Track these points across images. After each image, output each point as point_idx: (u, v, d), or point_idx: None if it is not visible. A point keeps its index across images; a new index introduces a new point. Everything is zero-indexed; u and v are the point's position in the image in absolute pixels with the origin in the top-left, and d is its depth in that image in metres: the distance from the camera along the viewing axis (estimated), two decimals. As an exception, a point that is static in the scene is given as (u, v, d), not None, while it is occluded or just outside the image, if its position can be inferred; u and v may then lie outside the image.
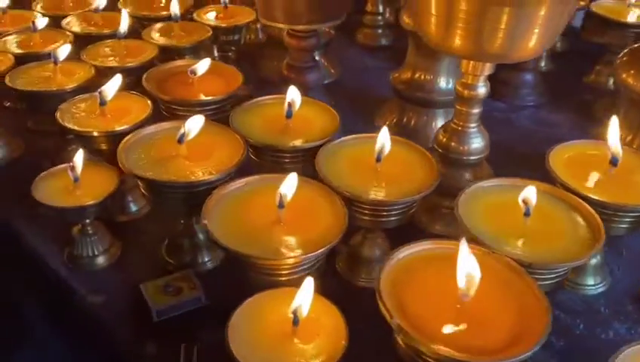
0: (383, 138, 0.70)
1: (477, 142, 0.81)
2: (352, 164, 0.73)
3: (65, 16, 1.11)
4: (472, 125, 0.80)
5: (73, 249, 0.77)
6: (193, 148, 0.72)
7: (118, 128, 0.77)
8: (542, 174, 0.72)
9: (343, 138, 0.77)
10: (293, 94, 0.79)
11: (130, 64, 0.95)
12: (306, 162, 0.77)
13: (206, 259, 0.78)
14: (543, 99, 1.26)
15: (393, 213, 0.70)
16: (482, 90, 0.77)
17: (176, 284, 0.72)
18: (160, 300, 0.70)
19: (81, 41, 1.03)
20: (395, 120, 1.13)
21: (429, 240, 0.60)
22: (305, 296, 0.53)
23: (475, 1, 0.66)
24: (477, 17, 0.67)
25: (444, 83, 1.06)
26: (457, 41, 0.71)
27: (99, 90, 0.79)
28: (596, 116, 1.19)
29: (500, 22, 0.67)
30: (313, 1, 0.91)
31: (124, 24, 0.98)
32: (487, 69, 0.76)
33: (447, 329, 0.51)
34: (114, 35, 1.02)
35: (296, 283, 0.54)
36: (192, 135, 0.71)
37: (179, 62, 0.94)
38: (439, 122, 1.09)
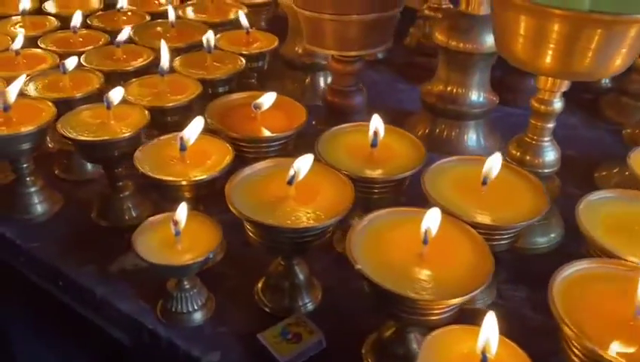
0: (493, 162, 0.71)
1: (551, 155, 0.84)
2: (458, 187, 0.73)
3: (81, 52, 1.04)
4: (546, 139, 0.83)
5: (168, 304, 0.73)
6: (299, 188, 0.69)
7: (207, 175, 0.73)
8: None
9: (447, 159, 0.77)
10: (377, 123, 0.78)
11: (178, 102, 0.90)
12: (395, 192, 0.77)
13: (306, 301, 0.75)
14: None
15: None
16: (558, 105, 0.80)
17: (293, 330, 0.70)
18: (284, 350, 0.68)
19: (112, 79, 0.97)
20: (426, 131, 1.15)
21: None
22: (490, 333, 0.53)
23: (568, 23, 0.69)
24: (568, 39, 0.70)
25: (475, 96, 1.09)
26: (546, 61, 0.73)
27: (180, 134, 0.74)
28: (605, 114, 1.27)
29: (590, 42, 0.70)
30: (365, 28, 0.91)
31: (166, 59, 0.93)
32: (565, 85, 0.78)
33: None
34: (140, 71, 0.98)
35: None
36: (302, 175, 0.69)
37: (237, 96, 0.91)
38: (471, 133, 1.12)
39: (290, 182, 0.68)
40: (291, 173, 0.68)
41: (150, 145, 0.79)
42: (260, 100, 0.85)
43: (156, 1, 1.35)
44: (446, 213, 0.65)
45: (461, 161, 0.78)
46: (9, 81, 0.90)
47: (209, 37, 1.01)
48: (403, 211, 0.67)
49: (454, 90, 1.10)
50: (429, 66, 1.42)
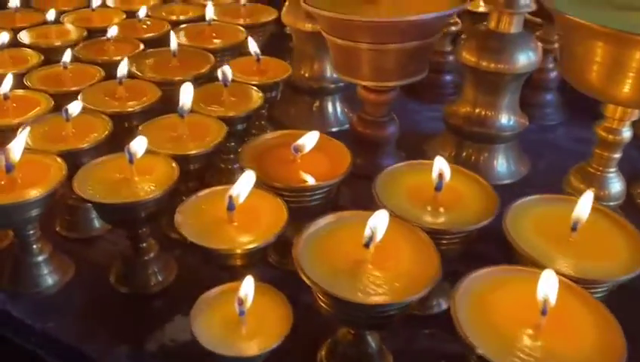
0: (584, 204, 0.65)
1: (617, 187, 0.79)
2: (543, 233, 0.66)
3: (75, 92, 0.92)
4: (612, 170, 0.78)
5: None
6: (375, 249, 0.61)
7: (263, 242, 0.63)
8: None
9: (527, 199, 0.70)
10: (441, 164, 0.71)
11: (204, 148, 0.80)
12: (465, 243, 0.70)
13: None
14: (565, 116, 1.28)
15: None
16: (627, 134, 0.75)
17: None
18: None
19: (116, 121, 0.86)
20: (452, 155, 1.09)
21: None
22: None
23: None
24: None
25: (505, 118, 1.04)
26: (623, 90, 0.68)
27: (229, 193, 0.65)
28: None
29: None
30: (404, 57, 0.83)
31: (188, 99, 0.82)
32: (636, 114, 0.73)
33: None
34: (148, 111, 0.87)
35: None
36: (379, 236, 0.60)
37: (270, 136, 0.82)
38: (501, 158, 1.07)
39: (367, 245, 0.60)
40: (367, 233, 0.60)
41: (190, 204, 0.68)
42: (300, 142, 0.76)
43: (144, 25, 1.22)
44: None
45: (543, 201, 0.71)
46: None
47: (226, 70, 0.91)
48: (505, 270, 0.59)
49: (483, 113, 1.04)
50: (437, 83, 1.37)
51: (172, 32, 1.05)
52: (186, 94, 0.82)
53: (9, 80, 0.88)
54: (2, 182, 0.71)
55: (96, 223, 0.88)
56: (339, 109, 1.22)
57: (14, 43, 1.10)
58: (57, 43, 1.12)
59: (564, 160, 1.10)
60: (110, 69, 1.02)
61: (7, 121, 0.84)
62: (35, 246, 0.76)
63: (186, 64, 1.04)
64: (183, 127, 0.82)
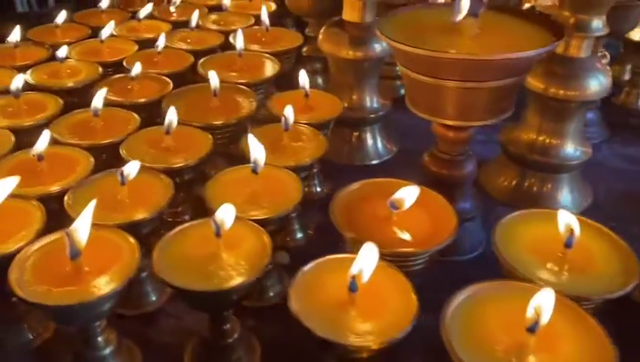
0: None
1: None
2: None
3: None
4: None
5: None
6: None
7: (399, 334, 0.54)
8: None
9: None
10: (568, 218, 0.63)
11: (287, 206, 0.70)
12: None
13: None
14: (606, 133, 1.24)
15: None
16: None
17: None
18: None
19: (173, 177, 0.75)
20: (512, 184, 1.03)
21: None
22: None
23: None
24: None
25: (571, 148, 0.98)
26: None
27: (352, 272, 0.55)
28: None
29: None
30: (496, 97, 0.76)
31: (259, 153, 0.72)
32: None
33: None
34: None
35: None
36: (544, 320, 0.52)
37: (358, 186, 0.73)
38: (565, 188, 1.01)
39: (531, 329, 0.52)
40: (530, 314, 0.52)
41: (301, 281, 0.58)
42: (398, 197, 0.67)
43: (159, 56, 1.10)
44: None
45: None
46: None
47: (288, 114, 0.81)
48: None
49: (547, 140, 0.98)
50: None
51: (213, 73, 0.94)
52: (256, 149, 0.72)
53: (45, 137, 0.75)
54: (67, 269, 0.59)
55: (152, 296, 0.77)
56: (379, 141, 1.15)
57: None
58: (70, 83, 1.00)
59: (621, 182, 1.07)
60: (140, 110, 0.91)
61: (44, 188, 0.72)
62: (100, 339, 0.64)
63: (227, 103, 0.93)
64: (257, 183, 0.72)
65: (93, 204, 0.61)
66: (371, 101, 1.11)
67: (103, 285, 0.58)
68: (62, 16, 1.20)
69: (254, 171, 0.72)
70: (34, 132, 0.81)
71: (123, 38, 1.17)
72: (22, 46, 1.10)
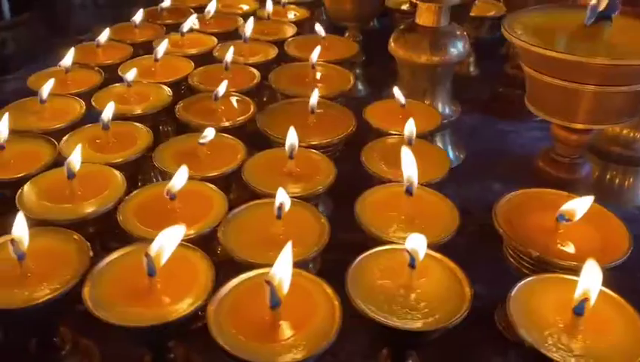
0: None
1: None
2: None
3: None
4: None
5: None
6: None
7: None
8: None
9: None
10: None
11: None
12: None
13: None
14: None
15: None
16: None
17: None
18: None
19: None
20: (595, 176, 1.03)
21: None
22: None
23: None
24: None
25: (655, 142, 1.00)
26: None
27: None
28: None
29: None
30: (626, 102, 0.76)
31: (414, 173, 0.69)
32: None
33: None
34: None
35: None
36: None
37: (523, 193, 0.71)
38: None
39: None
40: None
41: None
42: (569, 208, 0.66)
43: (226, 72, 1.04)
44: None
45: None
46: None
47: (411, 127, 0.78)
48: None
49: (632, 133, 0.99)
50: (512, 98, 1.31)
51: (315, 92, 0.89)
52: (410, 167, 0.69)
53: (183, 174, 0.69)
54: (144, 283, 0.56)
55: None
56: (449, 146, 1.13)
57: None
58: (143, 109, 0.92)
59: None
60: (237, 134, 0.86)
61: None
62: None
63: (324, 121, 0.89)
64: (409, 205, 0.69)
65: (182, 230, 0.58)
66: (443, 107, 1.09)
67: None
68: (104, 35, 1.11)
69: (409, 192, 0.69)
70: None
71: (172, 54, 1.10)
72: (71, 70, 1.01)
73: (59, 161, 0.77)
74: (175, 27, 1.21)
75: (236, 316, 0.55)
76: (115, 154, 0.80)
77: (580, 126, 0.78)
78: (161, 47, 1.04)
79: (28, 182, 0.73)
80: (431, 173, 0.76)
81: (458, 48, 1.03)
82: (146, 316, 0.54)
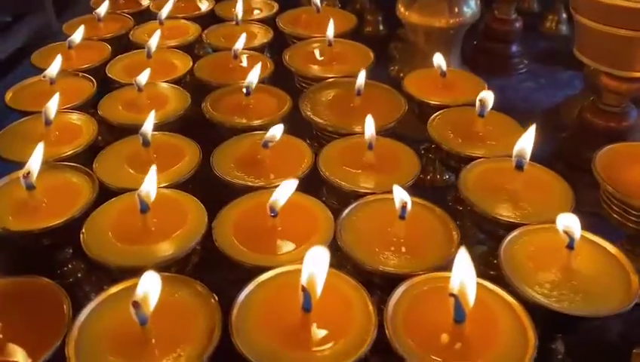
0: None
1: None
2: None
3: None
4: None
5: None
6: None
7: None
8: None
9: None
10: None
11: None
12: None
13: None
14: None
15: None
16: None
17: None
18: None
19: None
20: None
21: None
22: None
23: None
24: None
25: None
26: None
27: None
28: None
29: None
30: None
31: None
32: None
33: None
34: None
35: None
36: None
37: None
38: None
39: None
40: None
41: None
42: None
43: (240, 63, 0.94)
44: None
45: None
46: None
47: (487, 97, 0.74)
48: None
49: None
50: (506, 53, 1.29)
51: (362, 73, 0.82)
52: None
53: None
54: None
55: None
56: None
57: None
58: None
59: None
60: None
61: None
62: None
63: (371, 103, 0.82)
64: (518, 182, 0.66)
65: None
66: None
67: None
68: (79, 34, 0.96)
69: (519, 167, 0.65)
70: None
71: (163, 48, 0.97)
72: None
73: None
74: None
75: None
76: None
77: (637, 74, 0.78)
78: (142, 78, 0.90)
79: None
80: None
81: (472, 8, 1.00)
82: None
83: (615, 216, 0.68)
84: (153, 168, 0.61)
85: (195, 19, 1.09)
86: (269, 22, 1.09)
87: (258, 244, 0.59)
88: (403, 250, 0.58)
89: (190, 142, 0.75)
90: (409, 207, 0.59)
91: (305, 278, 0.49)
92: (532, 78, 1.26)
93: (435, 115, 0.79)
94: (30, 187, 0.63)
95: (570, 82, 1.23)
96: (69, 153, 0.72)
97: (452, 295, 0.49)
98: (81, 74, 0.89)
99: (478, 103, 0.75)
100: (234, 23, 1.04)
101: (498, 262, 0.57)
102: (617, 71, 0.79)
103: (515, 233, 0.59)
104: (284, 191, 0.60)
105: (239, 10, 1.04)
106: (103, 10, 1.06)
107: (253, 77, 0.82)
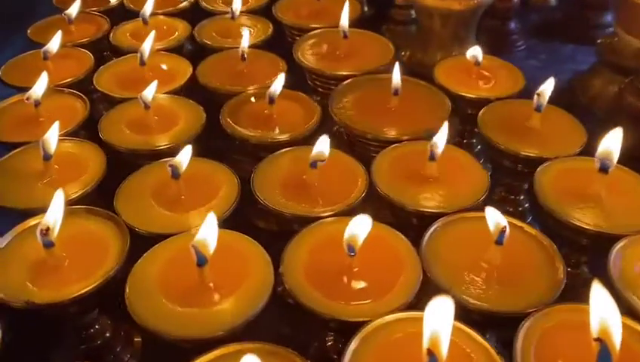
0: None
1: None
2: None
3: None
4: None
5: None
6: None
7: None
8: None
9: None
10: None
11: None
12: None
13: None
14: None
15: None
16: None
17: None
18: None
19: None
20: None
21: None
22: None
23: None
24: None
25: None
26: None
27: None
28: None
29: None
30: None
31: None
32: None
33: None
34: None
35: None
36: None
37: None
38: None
39: None
40: None
41: None
42: None
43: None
44: None
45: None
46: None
47: (545, 91, 0.68)
48: None
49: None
50: (504, 31, 1.24)
51: (397, 66, 0.73)
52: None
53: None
54: None
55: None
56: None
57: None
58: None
59: None
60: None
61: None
62: None
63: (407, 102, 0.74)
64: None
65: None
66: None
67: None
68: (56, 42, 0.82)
69: (604, 170, 0.59)
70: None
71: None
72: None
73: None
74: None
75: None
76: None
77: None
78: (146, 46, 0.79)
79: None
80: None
81: (486, -11, 0.93)
82: None
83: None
84: (212, 215, 0.51)
85: (179, 15, 0.97)
86: (261, 12, 0.99)
87: (334, 289, 0.51)
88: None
89: (225, 170, 0.64)
90: (507, 231, 0.52)
91: (427, 338, 0.42)
92: (533, 55, 1.20)
93: (483, 110, 0.72)
94: (49, 245, 0.51)
95: (572, 56, 1.19)
96: (78, 194, 0.61)
97: (597, 339, 0.42)
98: (67, 90, 0.76)
99: (535, 97, 0.68)
100: (229, 16, 0.92)
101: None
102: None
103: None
104: (362, 225, 0.51)
105: (237, 2, 0.92)
106: (74, 10, 0.91)
107: (278, 85, 0.72)
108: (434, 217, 0.57)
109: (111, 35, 0.91)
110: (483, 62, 0.79)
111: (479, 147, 0.86)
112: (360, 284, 0.52)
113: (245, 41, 0.80)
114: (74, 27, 0.92)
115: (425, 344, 0.42)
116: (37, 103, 0.71)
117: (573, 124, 0.71)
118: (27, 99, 0.70)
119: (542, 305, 0.49)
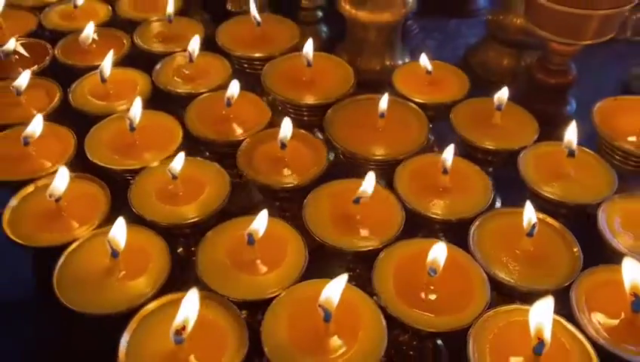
0: None
1: None
2: None
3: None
4: None
5: None
6: None
7: None
8: None
9: None
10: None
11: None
12: None
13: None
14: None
15: None
16: None
17: None
18: None
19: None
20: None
21: None
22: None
23: None
24: None
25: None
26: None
27: None
28: None
29: None
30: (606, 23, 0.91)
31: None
32: None
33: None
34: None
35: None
36: None
37: None
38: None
39: None
40: None
41: None
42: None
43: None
44: None
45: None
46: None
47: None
48: None
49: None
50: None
51: (385, 95, 0.83)
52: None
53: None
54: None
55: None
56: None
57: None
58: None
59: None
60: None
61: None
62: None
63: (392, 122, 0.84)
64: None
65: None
66: (402, 59, 1.11)
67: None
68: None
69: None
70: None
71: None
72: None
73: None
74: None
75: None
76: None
77: (587, 42, 0.93)
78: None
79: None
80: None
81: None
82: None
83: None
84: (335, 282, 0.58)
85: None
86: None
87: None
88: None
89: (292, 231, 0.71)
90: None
91: (534, 329, 0.55)
92: (428, 35, 1.34)
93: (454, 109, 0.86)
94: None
95: (459, 30, 1.36)
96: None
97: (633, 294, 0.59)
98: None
99: (496, 99, 0.84)
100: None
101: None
102: (569, 40, 0.93)
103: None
104: (440, 254, 0.63)
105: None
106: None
107: (286, 130, 0.78)
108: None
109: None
110: (435, 67, 0.92)
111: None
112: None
113: (235, 87, 0.82)
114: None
115: (532, 333, 0.55)
116: (58, 199, 0.70)
117: (527, 118, 0.88)
118: (50, 196, 0.69)
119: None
